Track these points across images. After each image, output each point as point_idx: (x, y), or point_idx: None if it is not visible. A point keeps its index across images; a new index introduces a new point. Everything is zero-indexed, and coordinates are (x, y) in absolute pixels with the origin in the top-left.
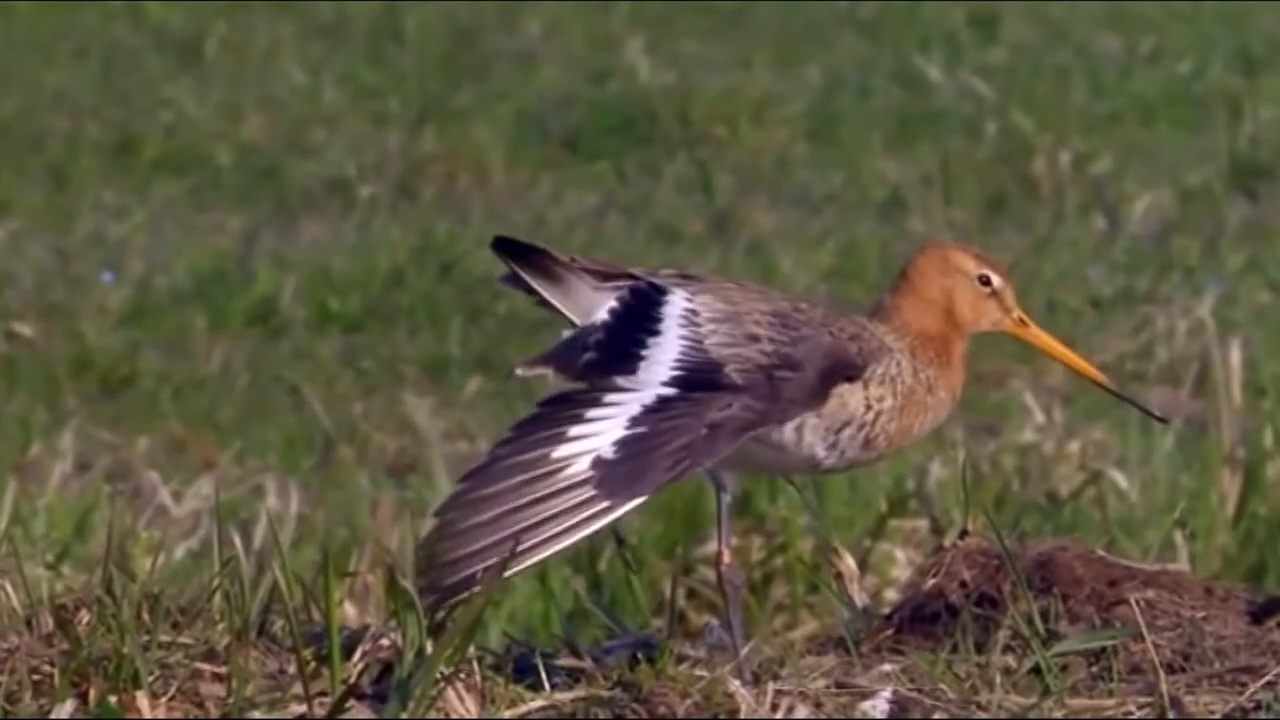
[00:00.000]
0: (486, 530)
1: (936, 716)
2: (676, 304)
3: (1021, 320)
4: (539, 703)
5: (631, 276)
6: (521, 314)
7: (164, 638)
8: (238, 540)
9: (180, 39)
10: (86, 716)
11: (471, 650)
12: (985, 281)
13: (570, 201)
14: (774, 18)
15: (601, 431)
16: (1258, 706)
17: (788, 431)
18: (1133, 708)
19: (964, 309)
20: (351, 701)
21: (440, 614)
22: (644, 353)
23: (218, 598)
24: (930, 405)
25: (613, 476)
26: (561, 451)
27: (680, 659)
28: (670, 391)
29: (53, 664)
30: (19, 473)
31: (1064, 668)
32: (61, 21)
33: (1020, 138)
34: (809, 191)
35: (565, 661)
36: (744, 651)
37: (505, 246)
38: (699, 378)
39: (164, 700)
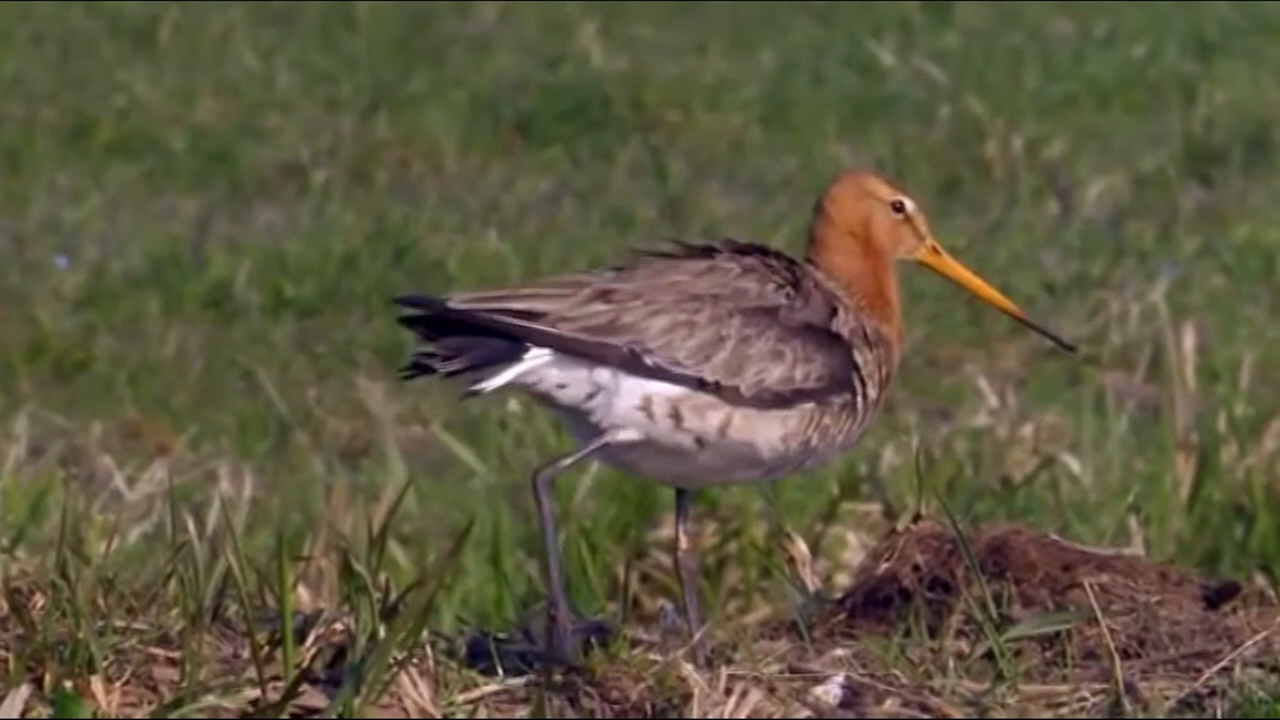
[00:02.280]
0: None
1: (889, 701)
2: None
3: (934, 249)
4: (492, 687)
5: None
6: None
7: (118, 622)
8: (191, 525)
9: (134, 24)
10: (42, 701)
11: (425, 635)
12: (899, 208)
13: (523, 187)
14: (728, 3)
15: None
16: (1212, 692)
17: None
18: (1087, 693)
19: (881, 236)
20: (305, 686)
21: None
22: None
23: (172, 583)
24: (892, 357)
25: None
26: None
27: (634, 643)
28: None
29: (7, 649)
30: None
31: (1018, 653)
32: (17, 7)
33: (973, 122)
34: (763, 176)
35: (519, 646)
36: (699, 635)
37: (408, 301)
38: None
39: (118, 685)
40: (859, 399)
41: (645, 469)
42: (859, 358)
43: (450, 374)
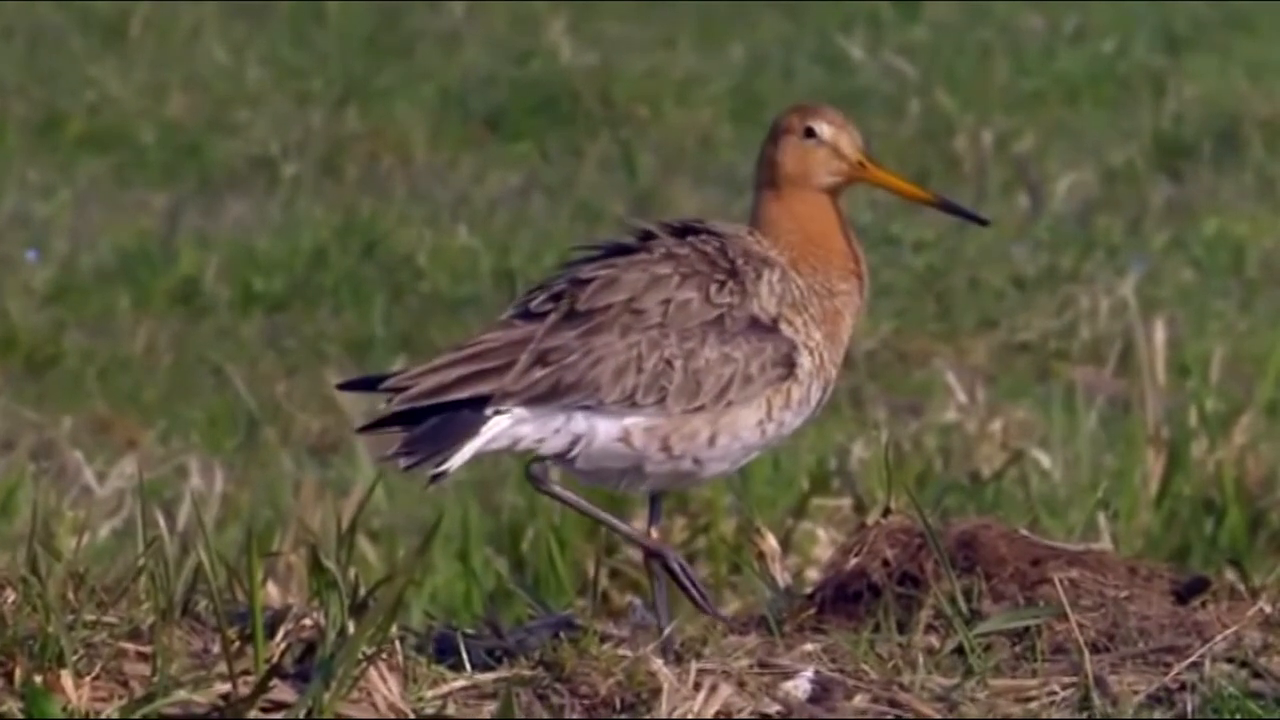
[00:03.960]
0: None
1: (859, 696)
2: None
3: (860, 164)
4: (461, 683)
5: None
6: (444, 294)
7: (89, 617)
8: (162, 520)
9: (105, 18)
10: (12, 696)
11: (394, 630)
12: (810, 133)
13: (493, 181)
14: None
15: None
16: (1182, 687)
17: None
18: (1056, 688)
19: (791, 167)
20: (274, 680)
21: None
22: None
23: (142, 578)
24: (841, 308)
25: None
26: None
27: (603, 639)
28: None
29: None
30: None
31: (987, 647)
32: None
33: (943, 117)
34: (732, 171)
35: (487, 642)
36: (668, 630)
37: (349, 386)
38: None
39: (89, 679)
40: (803, 366)
41: (653, 486)
42: (787, 330)
43: (410, 467)
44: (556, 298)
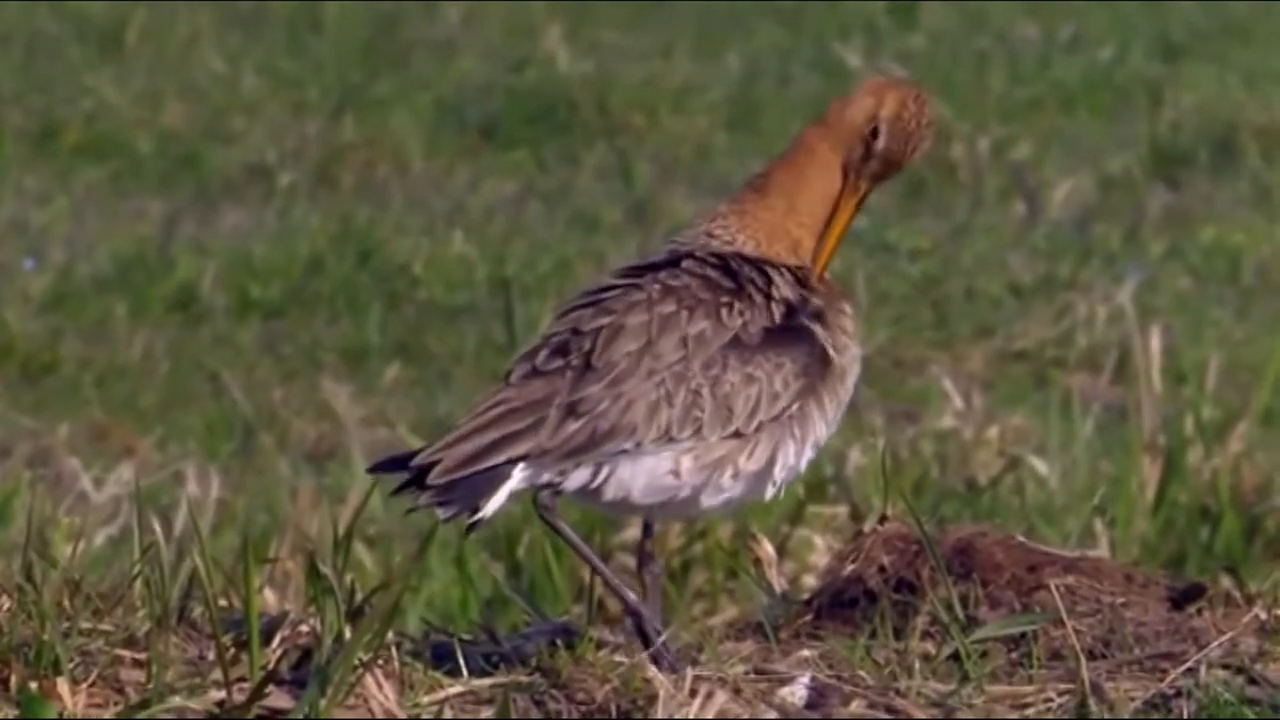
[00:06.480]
0: None
1: (855, 703)
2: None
3: (858, 184)
4: (457, 689)
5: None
6: (439, 302)
7: (84, 624)
8: (158, 527)
9: (101, 27)
10: (7, 703)
11: (390, 636)
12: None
13: (489, 189)
14: (693, 6)
15: None
16: (1178, 693)
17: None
18: (1052, 694)
19: (853, 110)
20: (270, 687)
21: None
22: None
23: (138, 584)
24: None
25: None
26: None
27: (599, 645)
28: None
29: None
30: None
31: (983, 654)
32: None
33: (939, 124)
34: (729, 180)
35: (484, 648)
36: (662, 637)
37: (379, 469)
38: None
39: (84, 686)
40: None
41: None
42: (819, 329)
43: (449, 519)
44: (561, 351)
